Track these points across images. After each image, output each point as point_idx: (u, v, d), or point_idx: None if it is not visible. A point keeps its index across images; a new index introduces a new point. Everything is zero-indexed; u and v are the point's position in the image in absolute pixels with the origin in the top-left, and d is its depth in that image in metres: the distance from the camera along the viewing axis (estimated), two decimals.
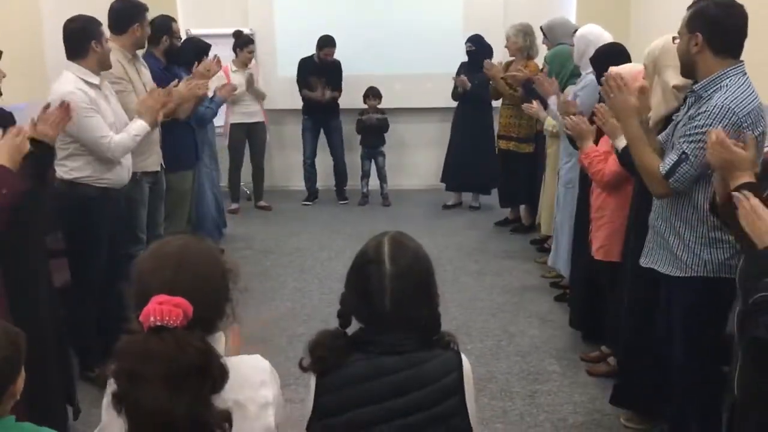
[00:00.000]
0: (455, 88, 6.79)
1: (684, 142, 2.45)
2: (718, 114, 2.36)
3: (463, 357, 1.65)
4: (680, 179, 2.47)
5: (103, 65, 3.49)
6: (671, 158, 2.49)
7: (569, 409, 3.36)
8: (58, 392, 2.89)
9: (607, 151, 3.36)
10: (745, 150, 2.16)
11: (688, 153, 2.43)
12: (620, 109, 2.63)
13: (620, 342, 3.30)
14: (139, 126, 3.56)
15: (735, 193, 2.08)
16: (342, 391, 1.59)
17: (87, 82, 3.38)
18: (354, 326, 1.68)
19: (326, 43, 6.94)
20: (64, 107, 3.05)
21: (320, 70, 7.01)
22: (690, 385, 2.66)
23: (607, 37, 4.26)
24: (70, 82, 3.34)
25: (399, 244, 1.65)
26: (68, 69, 3.40)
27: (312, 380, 1.62)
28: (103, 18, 3.57)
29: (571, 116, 3.63)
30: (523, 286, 5.00)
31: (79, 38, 3.39)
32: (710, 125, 2.36)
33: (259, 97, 6.87)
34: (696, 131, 2.41)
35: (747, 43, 2.45)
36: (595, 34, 4.31)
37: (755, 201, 2.00)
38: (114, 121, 3.51)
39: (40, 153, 2.85)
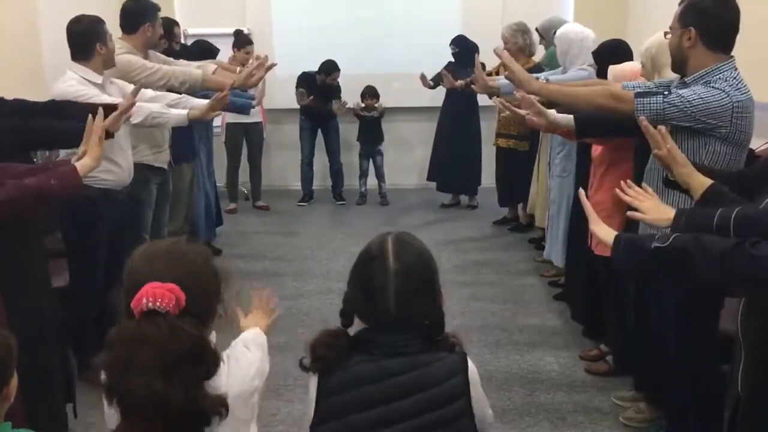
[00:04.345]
0: (437, 76, 6.77)
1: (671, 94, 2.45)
2: (712, 92, 2.35)
3: (469, 361, 1.64)
4: (646, 105, 2.43)
5: (107, 65, 3.46)
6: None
7: (568, 407, 3.36)
8: (59, 393, 2.89)
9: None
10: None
11: (667, 96, 2.42)
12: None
13: (619, 338, 3.30)
14: (177, 114, 3.55)
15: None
16: (346, 393, 1.58)
17: (90, 82, 3.35)
18: (356, 326, 1.67)
19: (332, 68, 6.93)
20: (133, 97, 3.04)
21: (321, 89, 7.00)
22: (685, 381, 2.66)
23: (588, 35, 4.26)
24: (74, 80, 3.31)
25: (403, 243, 1.65)
26: (71, 69, 3.36)
27: (312, 381, 1.61)
28: (102, 18, 3.54)
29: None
30: (522, 284, 5.00)
31: (84, 41, 3.35)
32: (700, 99, 2.35)
33: (260, 93, 6.84)
34: (683, 94, 2.40)
35: (739, 40, 2.45)
36: (576, 32, 4.30)
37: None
38: None
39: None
